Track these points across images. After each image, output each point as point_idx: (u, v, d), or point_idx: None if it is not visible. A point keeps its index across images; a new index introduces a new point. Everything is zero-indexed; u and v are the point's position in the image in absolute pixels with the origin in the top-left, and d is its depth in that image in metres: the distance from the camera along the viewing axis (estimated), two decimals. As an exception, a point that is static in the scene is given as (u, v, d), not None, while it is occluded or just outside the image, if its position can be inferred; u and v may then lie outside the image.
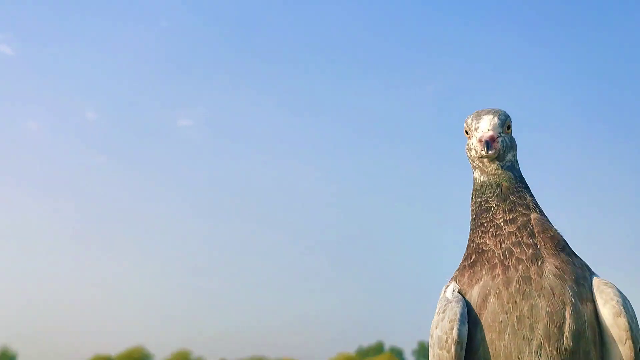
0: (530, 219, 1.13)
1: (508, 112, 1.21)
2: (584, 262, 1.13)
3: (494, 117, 1.17)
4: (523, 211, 1.13)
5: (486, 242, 1.12)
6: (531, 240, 1.09)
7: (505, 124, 1.18)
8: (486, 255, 1.11)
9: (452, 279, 1.19)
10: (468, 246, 1.18)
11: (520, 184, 1.17)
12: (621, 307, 1.04)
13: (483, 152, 1.13)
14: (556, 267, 1.07)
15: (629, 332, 1.04)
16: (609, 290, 1.06)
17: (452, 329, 1.08)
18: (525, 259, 1.08)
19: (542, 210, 1.17)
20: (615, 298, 1.05)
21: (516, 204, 1.14)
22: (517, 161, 1.21)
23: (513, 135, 1.22)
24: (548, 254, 1.08)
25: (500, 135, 1.16)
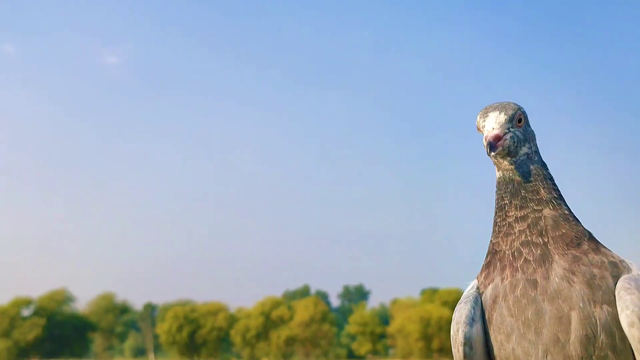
0: (542, 215, 1.08)
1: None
2: (610, 258, 1.05)
3: (500, 113, 1.13)
4: (535, 207, 1.09)
5: (499, 242, 1.11)
6: (540, 240, 1.06)
7: (515, 118, 1.14)
8: (498, 255, 1.10)
9: (477, 277, 1.18)
10: (488, 246, 1.17)
11: (536, 177, 1.12)
12: (635, 318, 0.97)
13: (487, 152, 1.12)
14: (564, 269, 1.03)
15: None
16: (627, 297, 0.99)
17: (457, 331, 1.11)
18: (533, 260, 1.05)
19: (560, 203, 1.11)
20: (632, 307, 0.98)
21: (528, 199, 1.10)
22: (536, 152, 1.16)
23: (531, 125, 1.18)
24: (558, 253, 1.04)
25: (510, 131, 1.12)
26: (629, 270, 1.05)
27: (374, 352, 65.01)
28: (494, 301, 1.09)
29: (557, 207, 1.10)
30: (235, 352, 57.05)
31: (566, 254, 1.04)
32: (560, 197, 1.13)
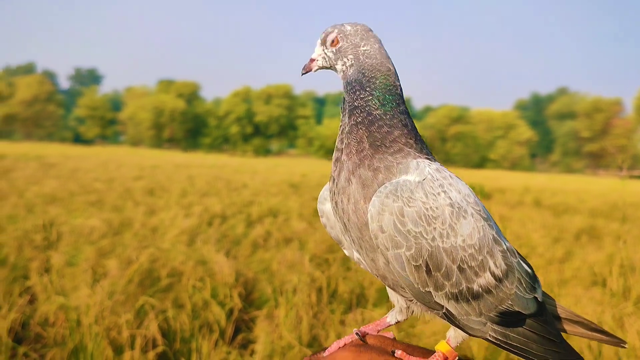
0: (346, 123, 1.17)
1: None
2: (387, 162, 1.13)
3: (319, 40, 1.24)
4: (347, 120, 1.17)
5: (336, 144, 1.20)
6: (340, 146, 1.16)
7: (326, 41, 1.23)
8: (335, 155, 1.19)
9: None
10: None
11: (350, 88, 1.19)
12: (375, 212, 1.08)
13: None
14: (348, 171, 1.14)
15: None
16: (374, 198, 1.09)
17: (318, 205, 1.30)
18: (335, 162, 1.17)
19: (362, 108, 1.16)
20: (372, 204, 1.08)
21: (344, 110, 1.19)
22: (353, 64, 1.21)
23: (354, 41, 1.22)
24: (346, 159, 1.14)
25: (323, 53, 1.23)
26: (401, 173, 1.12)
27: (103, 137, 64.03)
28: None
29: (357, 114, 1.16)
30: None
31: (351, 159, 1.14)
32: (366, 105, 1.17)
